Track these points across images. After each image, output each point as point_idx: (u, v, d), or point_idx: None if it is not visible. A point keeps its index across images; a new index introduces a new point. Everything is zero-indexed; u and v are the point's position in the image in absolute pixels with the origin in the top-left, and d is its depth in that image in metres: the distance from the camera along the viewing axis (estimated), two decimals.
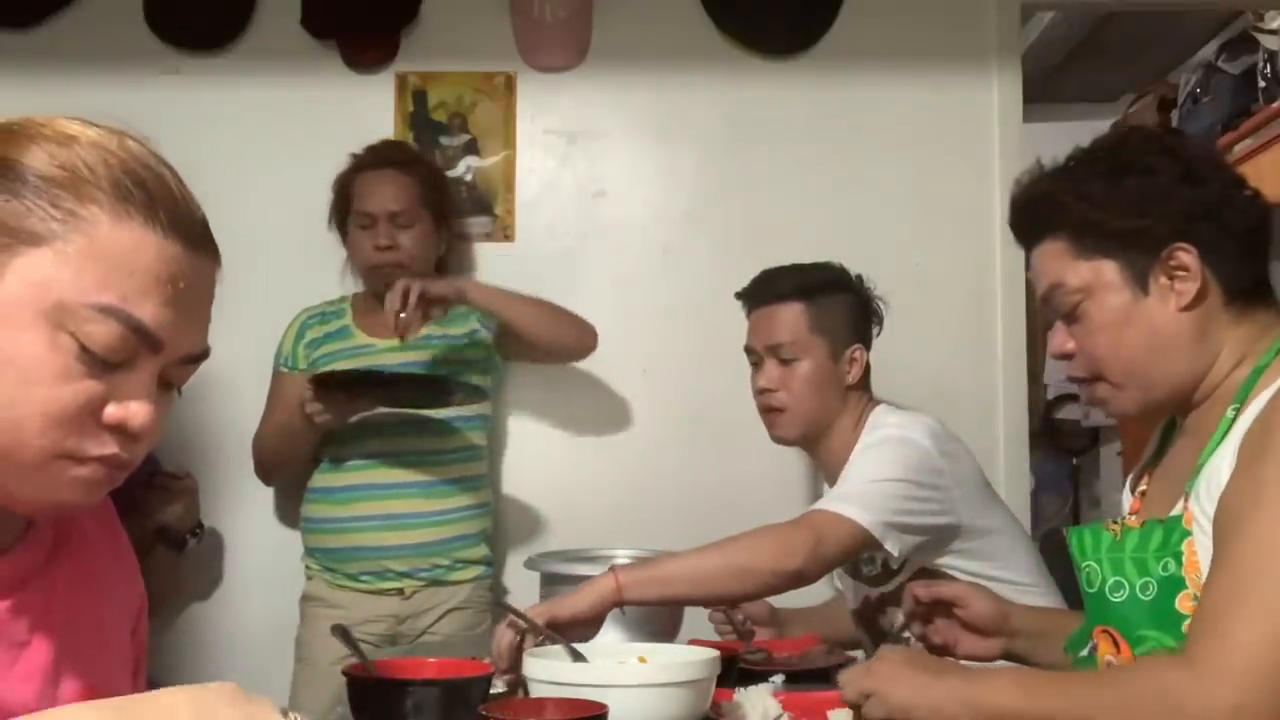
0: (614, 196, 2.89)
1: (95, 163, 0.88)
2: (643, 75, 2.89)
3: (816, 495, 2.71)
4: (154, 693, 0.82)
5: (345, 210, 2.60)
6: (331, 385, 2.35)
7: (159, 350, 0.89)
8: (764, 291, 2.18)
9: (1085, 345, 1.35)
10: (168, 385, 0.93)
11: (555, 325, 2.56)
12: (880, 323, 2.22)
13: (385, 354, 2.53)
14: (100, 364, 0.86)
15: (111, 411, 0.87)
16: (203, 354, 0.95)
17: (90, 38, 2.81)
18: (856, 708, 1.31)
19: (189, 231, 0.91)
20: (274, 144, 2.84)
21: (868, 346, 2.18)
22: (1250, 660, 1.11)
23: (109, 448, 0.88)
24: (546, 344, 2.58)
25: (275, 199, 2.81)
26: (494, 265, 2.85)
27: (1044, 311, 1.42)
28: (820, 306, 2.13)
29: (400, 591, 2.48)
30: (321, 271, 2.73)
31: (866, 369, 2.17)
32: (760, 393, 2.17)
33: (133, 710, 0.80)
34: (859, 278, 2.21)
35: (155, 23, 2.84)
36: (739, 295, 2.24)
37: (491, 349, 2.64)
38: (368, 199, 2.54)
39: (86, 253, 0.85)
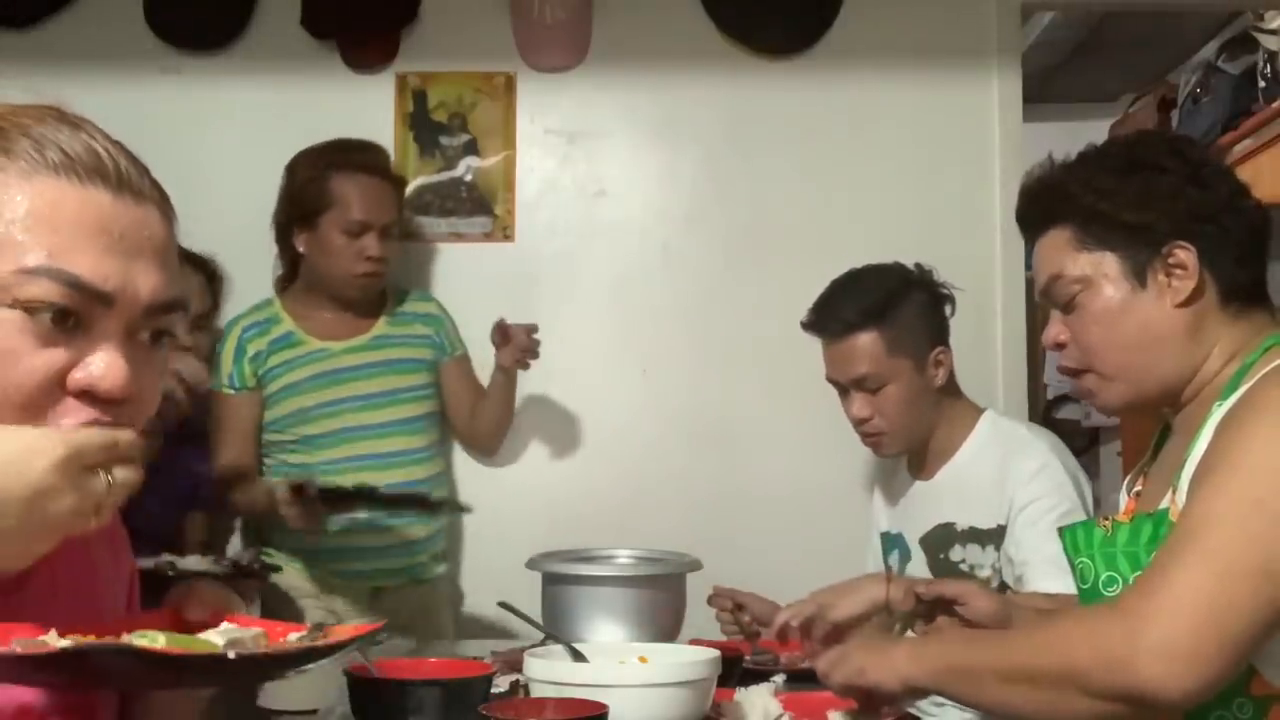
0: (614, 196, 2.89)
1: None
2: (643, 75, 2.88)
3: (816, 495, 2.72)
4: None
5: (316, 210, 2.47)
6: (312, 494, 2.24)
7: (112, 303, 0.85)
8: (831, 325, 2.11)
9: (1079, 336, 1.37)
10: (153, 341, 0.90)
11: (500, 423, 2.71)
12: (954, 305, 2.17)
13: (343, 356, 2.52)
14: (52, 331, 0.83)
15: (76, 376, 0.84)
16: (176, 301, 0.90)
17: (90, 38, 2.81)
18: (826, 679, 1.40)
19: (114, 178, 0.87)
20: (274, 144, 2.82)
21: (948, 339, 2.14)
22: (1181, 602, 1.12)
23: (82, 414, 0.84)
24: (490, 426, 2.70)
25: (275, 199, 2.80)
26: (494, 265, 2.85)
27: (1042, 303, 1.44)
28: (894, 326, 2.06)
29: (382, 590, 2.50)
30: None
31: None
32: (856, 422, 2.14)
33: None
34: (918, 267, 2.15)
35: (155, 23, 2.84)
36: (805, 327, 2.16)
37: (442, 350, 2.65)
38: (358, 206, 2.45)
39: (3, 221, 0.83)
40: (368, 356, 2.53)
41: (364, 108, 2.84)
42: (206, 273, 2.39)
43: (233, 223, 2.81)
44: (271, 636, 0.90)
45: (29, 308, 0.82)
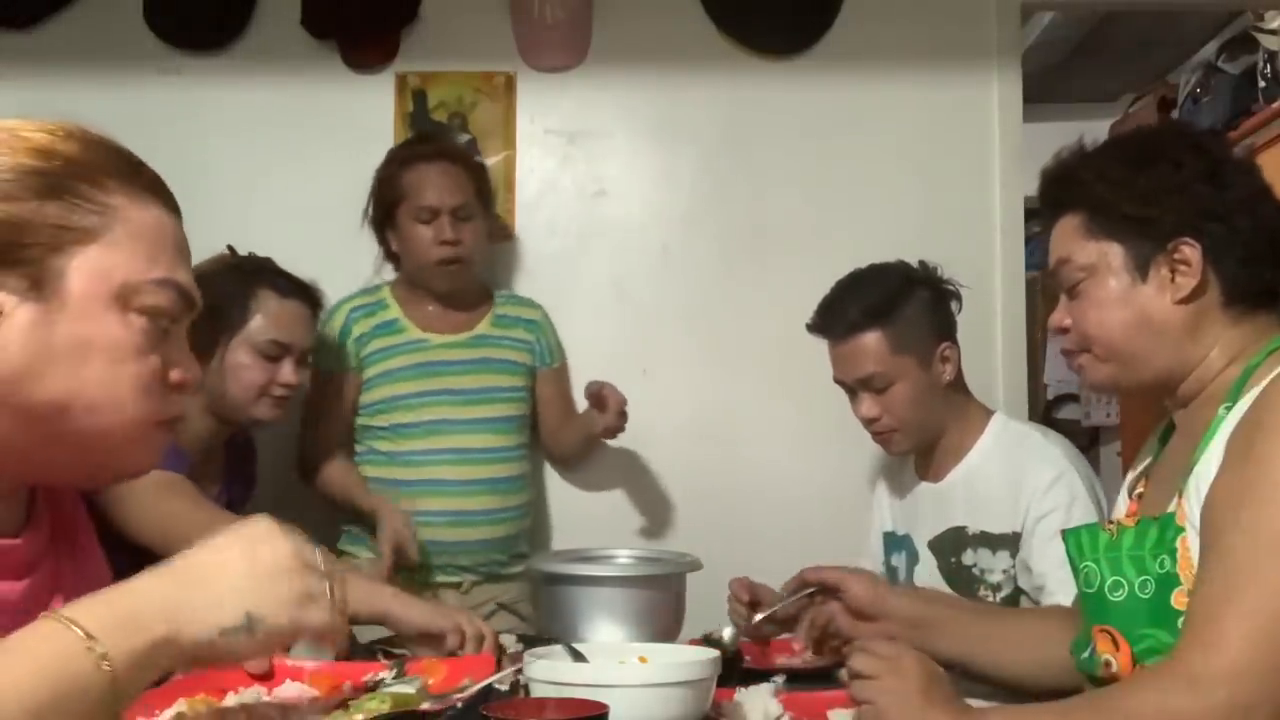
0: (614, 196, 2.90)
1: (90, 155, 0.94)
2: (643, 75, 2.89)
3: (817, 494, 2.71)
4: (200, 547, 0.89)
5: (393, 204, 2.52)
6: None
7: (193, 309, 1.01)
8: (835, 326, 2.11)
9: (1079, 321, 1.38)
10: None
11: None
12: (960, 301, 2.16)
13: (441, 350, 2.53)
14: (159, 334, 0.97)
15: (176, 374, 0.99)
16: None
17: (90, 38, 2.81)
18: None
19: (172, 201, 1.01)
20: (274, 144, 2.84)
21: (954, 335, 2.13)
22: (1243, 660, 1.11)
23: (178, 407, 1.00)
24: (569, 450, 2.74)
25: (275, 199, 2.81)
26: (494, 265, 2.85)
27: (1050, 286, 1.45)
28: (897, 324, 2.06)
29: (458, 586, 2.48)
30: (322, 271, 2.71)
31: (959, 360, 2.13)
32: (865, 422, 2.14)
33: (193, 572, 0.87)
34: (922, 264, 2.15)
35: (155, 23, 2.84)
36: (810, 329, 2.16)
37: (540, 358, 2.66)
38: (427, 192, 2.48)
39: (127, 236, 0.95)
40: (466, 353, 2.54)
41: (364, 108, 2.84)
42: (313, 305, 2.32)
43: (232, 223, 2.81)
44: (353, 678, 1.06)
45: (154, 313, 0.96)
